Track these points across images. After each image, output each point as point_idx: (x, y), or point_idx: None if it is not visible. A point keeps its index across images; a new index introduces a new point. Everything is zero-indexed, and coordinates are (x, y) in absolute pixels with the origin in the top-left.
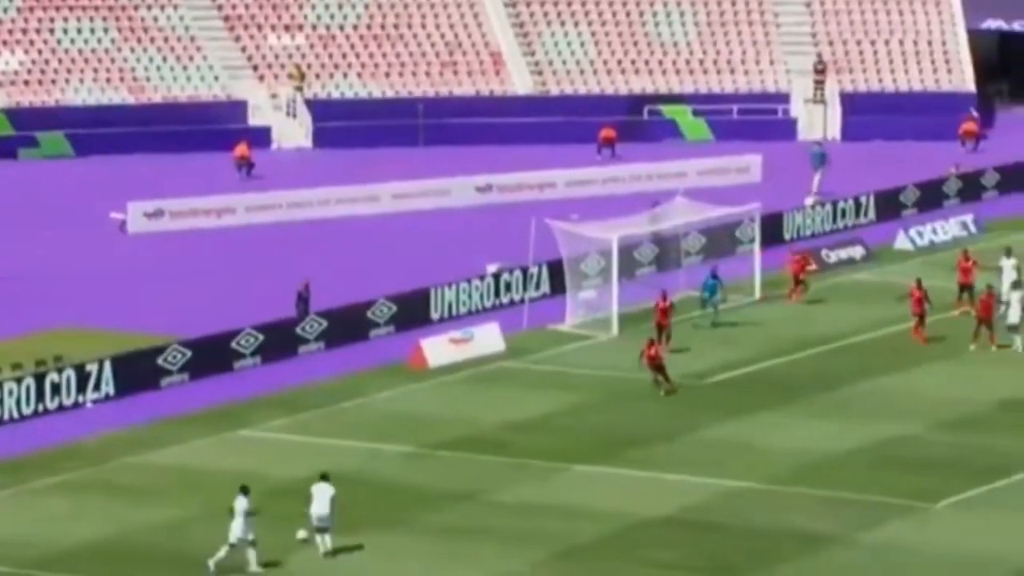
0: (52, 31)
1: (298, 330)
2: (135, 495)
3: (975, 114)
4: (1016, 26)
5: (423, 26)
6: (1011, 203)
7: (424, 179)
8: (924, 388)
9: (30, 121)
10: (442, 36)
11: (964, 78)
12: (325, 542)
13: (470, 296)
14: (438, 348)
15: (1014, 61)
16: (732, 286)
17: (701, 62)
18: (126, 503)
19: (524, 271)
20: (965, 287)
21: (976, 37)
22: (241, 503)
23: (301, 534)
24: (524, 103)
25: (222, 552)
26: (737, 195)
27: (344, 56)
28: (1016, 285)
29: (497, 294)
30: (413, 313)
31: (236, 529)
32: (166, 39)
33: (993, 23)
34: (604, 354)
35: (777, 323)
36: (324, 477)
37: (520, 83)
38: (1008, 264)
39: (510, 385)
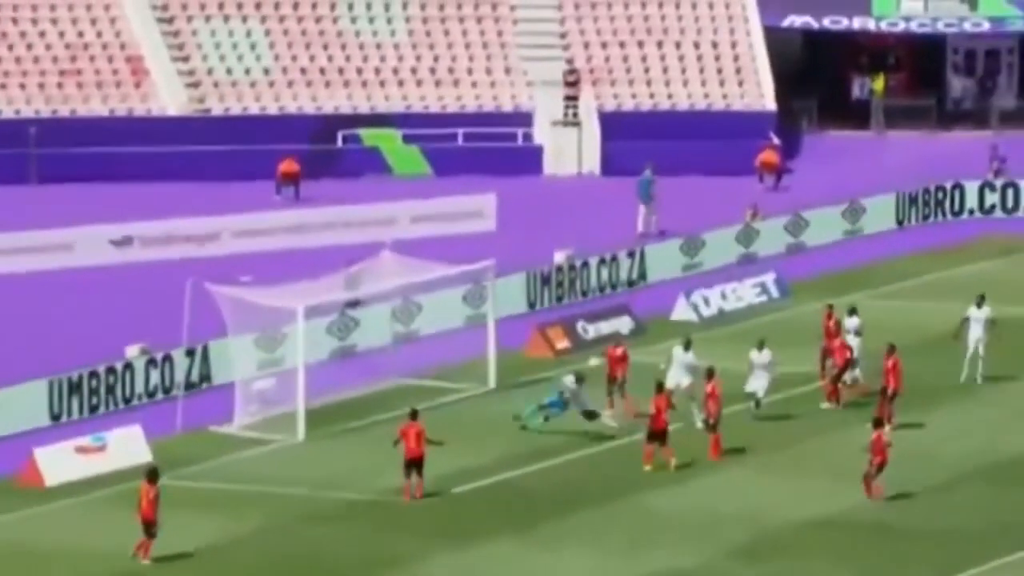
0: None
1: None
2: None
3: (776, 140)
4: (827, 23)
5: (34, 21)
6: (824, 258)
7: (38, 229)
8: (709, 504)
9: None
10: (61, 35)
11: (761, 92)
12: None
13: (103, 387)
14: (59, 460)
15: (825, 70)
16: (461, 368)
17: (414, 71)
18: None
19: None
20: (830, 354)
21: (776, 38)
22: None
23: None
24: (176, 126)
25: None
26: (466, 248)
27: None
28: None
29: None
30: (23, 414)
31: None
32: None
33: (798, 19)
34: (286, 464)
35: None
36: None
37: (170, 99)
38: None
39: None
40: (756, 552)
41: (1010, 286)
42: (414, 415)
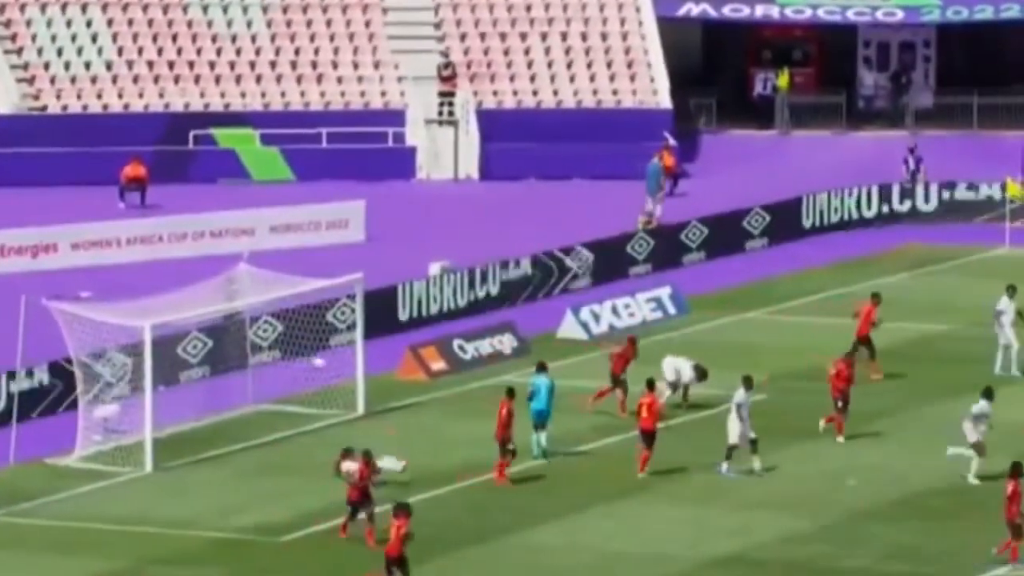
0: None
1: None
2: None
3: (672, 141)
4: (727, 12)
5: None
6: (723, 270)
7: None
8: (593, 542)
9: None
10: None
11: (655, 89)
12: None
13: None
14: None
15: (724, 62)
16: (326, 392)
17: (273, 65)
18: None
19: None
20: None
21: (672, 29)
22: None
23: None
24: (8, 126)
25: None
26: (331, 261)
27: None
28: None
29: None
30: None
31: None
32: None
33: (695, 8)
34: (135, 499)
35: (387, 451)
36: None
37: (2, 96)
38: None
39: None
40: None
41: (922, 301)
42: None
